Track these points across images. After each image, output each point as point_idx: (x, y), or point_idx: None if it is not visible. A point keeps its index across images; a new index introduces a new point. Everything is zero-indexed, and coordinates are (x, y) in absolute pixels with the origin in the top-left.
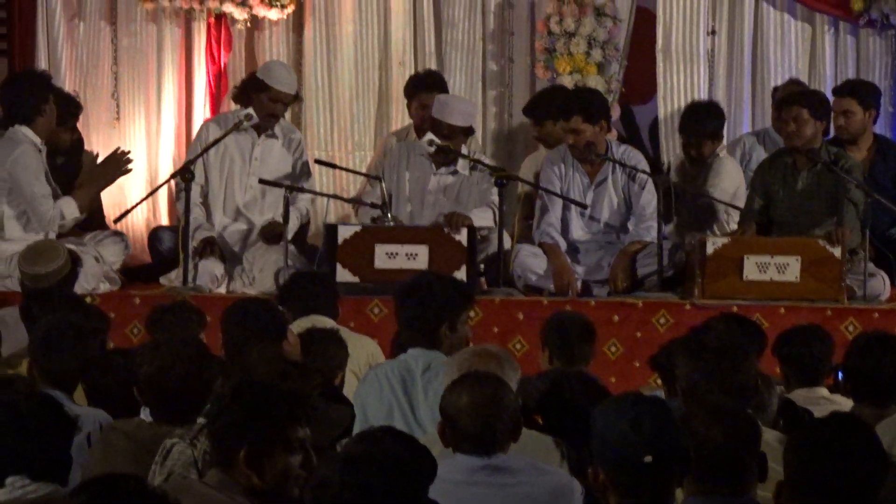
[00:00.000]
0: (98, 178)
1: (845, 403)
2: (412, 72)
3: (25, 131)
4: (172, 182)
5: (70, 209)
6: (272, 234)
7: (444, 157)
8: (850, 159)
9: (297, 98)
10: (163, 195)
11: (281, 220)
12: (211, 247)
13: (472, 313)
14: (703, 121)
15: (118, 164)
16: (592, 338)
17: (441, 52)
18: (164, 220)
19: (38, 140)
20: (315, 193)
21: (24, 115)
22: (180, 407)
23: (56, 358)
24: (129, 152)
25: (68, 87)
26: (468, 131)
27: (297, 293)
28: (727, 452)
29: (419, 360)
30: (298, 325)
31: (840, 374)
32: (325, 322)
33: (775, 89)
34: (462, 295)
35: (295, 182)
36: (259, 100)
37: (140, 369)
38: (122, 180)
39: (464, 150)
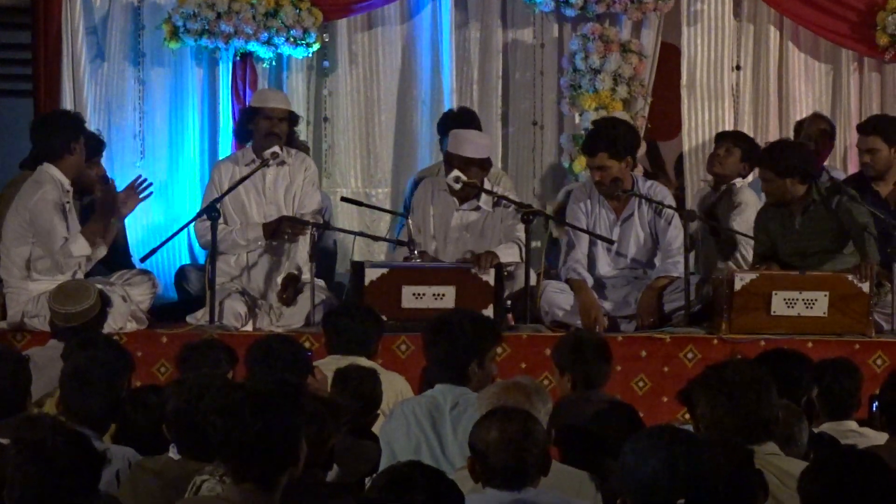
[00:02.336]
0: (115, 210)
1: (874, 436)
2: (433, 110)
3: (52, 171)
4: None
5: (79, 246)
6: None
7: (468, 193)
8: (846, 188)
9: (293, 117)
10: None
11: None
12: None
13: (499, 349)
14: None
15: (135, 192)
16: (609, 357)
17: (462, 90)
18: (189, 259)
19: (65, 180)
20: (342, 231)
21: (53, 153)
22: (207, 442)
23: (84, 396)
24: (146, 180)
25: (93, 126)
26: (484, 164)
27: (342, 326)
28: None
29: (447, 396)
30: (337, 362)
31: (875, 407)
32: (361, 361)
33: (799, 124)
34: (490, 332)
35: (309, 204)
36: (257, 126)
37: (167, 405)
38: (146, 218)
39: (488, 187)
